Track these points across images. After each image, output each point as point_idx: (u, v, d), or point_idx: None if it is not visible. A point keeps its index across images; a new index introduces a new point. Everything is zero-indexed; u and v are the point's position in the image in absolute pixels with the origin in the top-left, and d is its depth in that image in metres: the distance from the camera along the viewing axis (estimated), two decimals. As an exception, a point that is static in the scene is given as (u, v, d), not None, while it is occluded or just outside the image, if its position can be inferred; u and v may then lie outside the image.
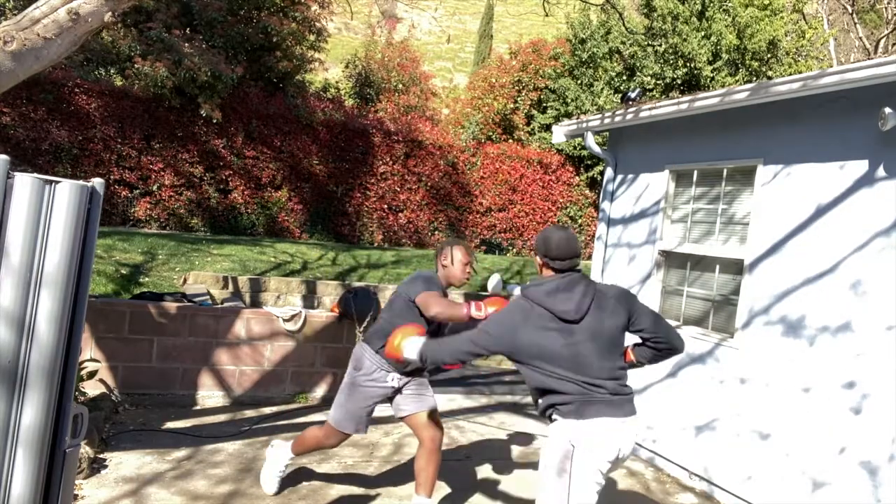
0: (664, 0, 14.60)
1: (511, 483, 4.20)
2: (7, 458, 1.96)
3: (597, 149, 5.61)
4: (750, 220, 4.26)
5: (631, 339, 2.57)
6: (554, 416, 2.48)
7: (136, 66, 10.61)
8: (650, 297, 5.05)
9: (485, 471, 4.36)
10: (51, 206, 1.99)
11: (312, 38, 13.61)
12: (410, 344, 2.68)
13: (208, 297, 5.89)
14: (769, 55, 14.86)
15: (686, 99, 4.57)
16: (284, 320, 5.38)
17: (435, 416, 3.46)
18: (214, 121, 11.22)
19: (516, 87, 16.75)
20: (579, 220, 15.24)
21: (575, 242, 2.55)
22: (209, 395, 5.20)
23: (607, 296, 2.52)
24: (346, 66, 18.75)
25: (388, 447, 4.63)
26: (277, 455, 3.65)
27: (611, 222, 5.65)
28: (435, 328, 3.31)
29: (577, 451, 2.37)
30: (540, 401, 2.52)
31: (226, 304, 5.84)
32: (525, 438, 5.16)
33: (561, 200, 15.16)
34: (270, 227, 12.22)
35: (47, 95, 10.42)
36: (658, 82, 14.54)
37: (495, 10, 32.46)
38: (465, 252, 3.45)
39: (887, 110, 3.30)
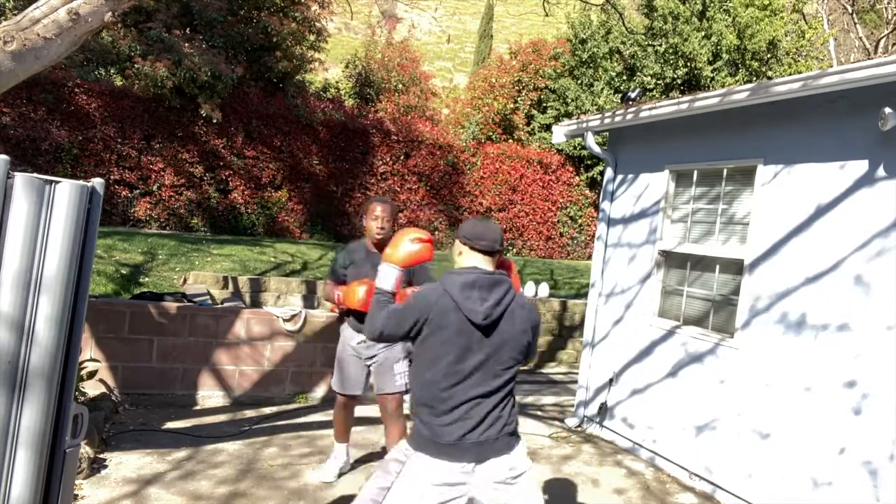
0: (665, 0, 14.60)
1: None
2: (7, 459, 1.96)
3: (597, 149, 5.61)
4: (750, 220, 4.26)
5: None
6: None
7: (136, 66, 10.60)
8: (650, 297, 5.05)
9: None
10: (51, 206, 1.99)
11: (312, 38, 13.60)
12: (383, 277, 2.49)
13: (208, 297, 5.89)
14: (769, 55, 14.86)
15: (686, 99, 4.57)
16: (284, 320, 5.38)
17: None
18: (214, 121, 11.21)
19: (516, 87, 16.74)
20: (579, 220, 15.24)
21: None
22: (209, 395, 5.20)
23: None
24: (346, 66, 18.74)
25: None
26: (334, 452, 4.05)
27: (611, 222, 5.65)
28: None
29: None
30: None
31: (226, 304, 5.84)
32: (525, 439, 5.16)
33: (561, 200, 15.15)
34: (270, 227, 12.22)
35: (47, 95, 10.41)
36: (658, 82, 14.54)
37: (495, 10, 32.45)
38: (376, 208, 3.77)
39: (887, 110, 3.30)
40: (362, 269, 3.72)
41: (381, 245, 3.73)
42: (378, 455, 4.46)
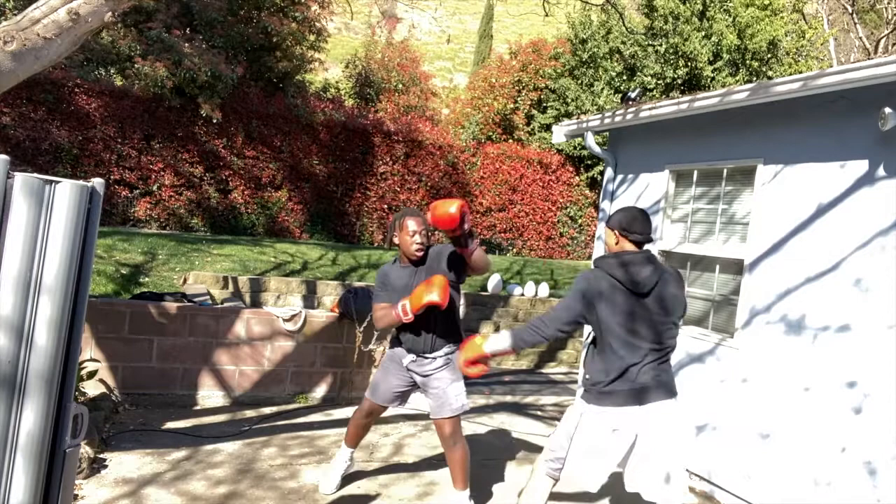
0: (665, 0, 14.60)
1: (511, 483, 4.20)
2: (7, 460, 1.96)
3: (597, 149, 5.61)
4: (750, 220, 4.26)
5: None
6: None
7: (136, 66, 10.61)
8: (650, 297, 5.04)
9: (485, 471, 4.36)
10: (51, 207, 1.99)
11: (312, 38, 13.61)
12: (492, 340, 2.99)
13: (208, 297, 5.89)
14: (769, 55, 14.85)
15: (686, 99, 4.57)
16: (284, 320, 5.38)
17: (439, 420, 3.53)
18: (214, 121, 11.22)
19: (516, 87, 16.74)
20: (579, 220, 15.24)
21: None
22: (209, 395, 5.20)
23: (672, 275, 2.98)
24: (346, 66, 18.76)
25: (387, 448, 4.63)
26: (339, 455, 3.81)
27: (611, 222, 5.65)
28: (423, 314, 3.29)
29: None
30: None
31: (226, 304, 5.84)
32: (525, 439, 5.16)
33: (561, 200, 15.15)
34: (270, 227, 12.22)
35: (47, 95, 10.41)
36: (659, 82, 14.53)
37: (495, 10, 32.42)
38: (409, 224, 3.37)
39: (887, 110, 3.30)
40: (402, 285, 3.39)
41: (414, 261, 3.43)
42: (377, 457, 4.46)
